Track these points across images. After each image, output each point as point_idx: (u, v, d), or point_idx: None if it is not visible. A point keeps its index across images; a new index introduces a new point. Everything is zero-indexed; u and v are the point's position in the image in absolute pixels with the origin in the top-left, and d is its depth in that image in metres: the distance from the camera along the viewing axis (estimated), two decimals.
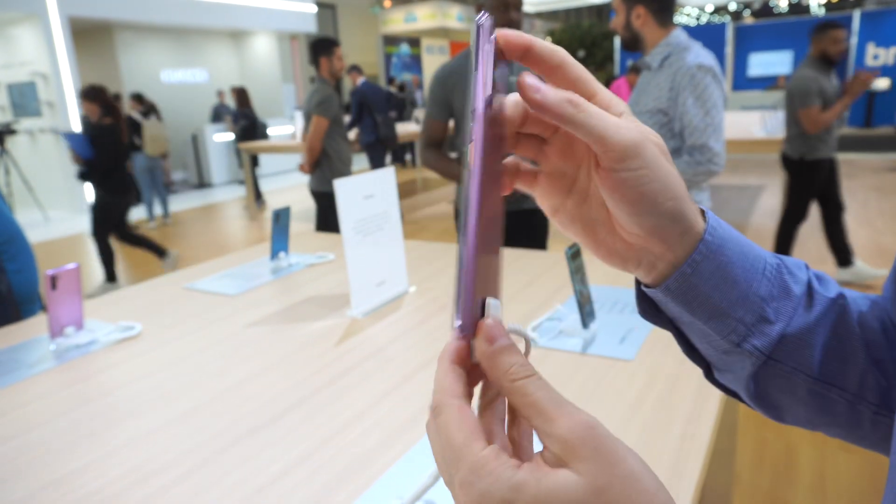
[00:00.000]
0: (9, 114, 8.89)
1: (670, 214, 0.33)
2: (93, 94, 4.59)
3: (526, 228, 2.33)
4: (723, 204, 6.59)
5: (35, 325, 1.44)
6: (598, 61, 19.11)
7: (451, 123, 2.36)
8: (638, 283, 0.39)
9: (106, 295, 1.67)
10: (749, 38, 14.21)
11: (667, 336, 1.20)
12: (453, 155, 2.43)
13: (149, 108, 7.78)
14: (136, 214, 7.89)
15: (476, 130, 0.29)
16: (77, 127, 8.07)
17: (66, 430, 0.99)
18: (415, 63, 18.48)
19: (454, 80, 2.27)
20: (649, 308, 0.40)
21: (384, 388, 1.08)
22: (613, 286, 1.51)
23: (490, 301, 0.29)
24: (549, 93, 0.31)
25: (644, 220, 0.33)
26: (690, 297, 0.36)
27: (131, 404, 1.06)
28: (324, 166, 3.81)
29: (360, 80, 6.73)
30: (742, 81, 14.23)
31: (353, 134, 6.54)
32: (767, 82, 13.62)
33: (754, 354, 0.37)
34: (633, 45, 1.96)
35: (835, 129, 3.61)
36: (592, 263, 1.70)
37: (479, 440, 0.26)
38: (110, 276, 4.91)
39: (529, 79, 0.31)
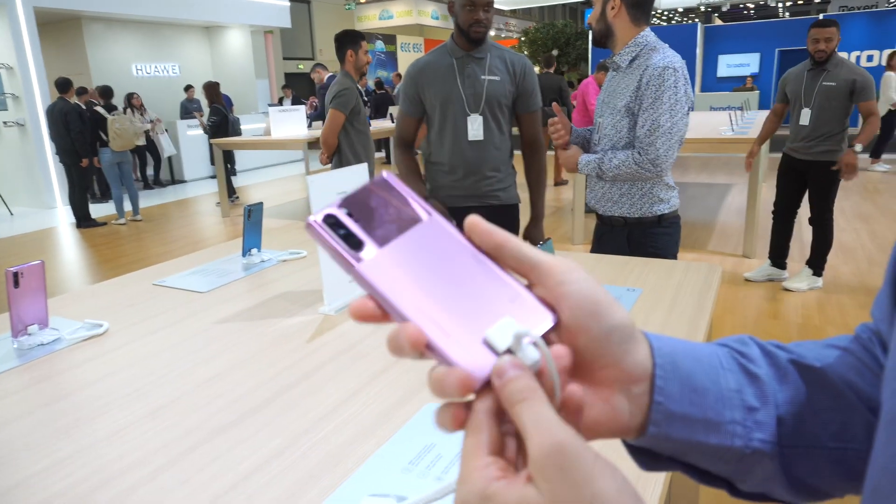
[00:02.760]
0: None
1: (618, 326, 0.33)
2: None
3: (497, 223, 2.35)
4: (691, 201, 6.70)
5: None
6: (572, 60, 19.26)
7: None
8: (626, 444, 0.39)
9: (72, 292, 1.64)
10: (718, 39, 14.47)
11: (641, 322, 1.22)
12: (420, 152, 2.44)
13: (92, 103, 7.52)
14: (106, 210, 7.73)
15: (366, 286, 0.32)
16: (42, 119, 7.86)
17: (30, 430, 0.97)
18: (390, 60, 18.40)
19: (425, 76, 2.29)
20: (646, 458, 0.39)
21: (356, 384, 1.08)
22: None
23: (492, 332, 0.31)
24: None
25: (597, 331, 0.33)
26: (677, 424, 0.35)
27: (98, 403, 1.05)
28: (334, 161, 3.73)
29: (327, 74, 6.69)
30: (712, 82, 14.49)
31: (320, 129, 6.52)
32: (736, 83, 13.88)
33: (766, 450, 0.36)
34: (605, 39, 1.97)
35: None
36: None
37: (483, 456, 0.28)
38: None
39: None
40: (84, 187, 7.07)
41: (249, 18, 11.80)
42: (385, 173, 0.35)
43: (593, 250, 2.14)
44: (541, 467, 0.26)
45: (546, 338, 0.33)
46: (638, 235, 2.01)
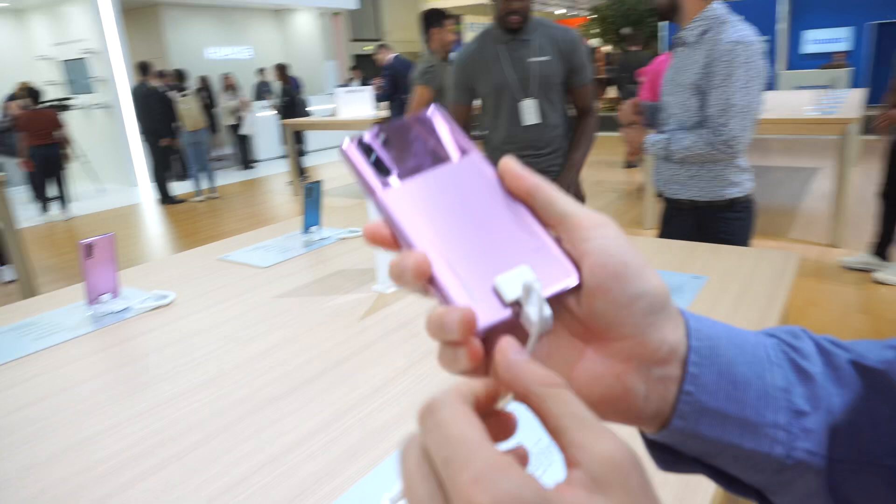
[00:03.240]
0: (64, 90, 9.18)
1: (646, 293, 0.29)
2: None
3: None
4: (773, 186, 6.35)
5: (75, 293, 1.49)
6: (644, 38, 18.53)
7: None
8: (644, 437, 0.34)
9: (143, 264, 1.71)
10: (805, 12, 13.54)
11: (704, 312, 1.16)
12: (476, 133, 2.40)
13: (175, 86, 7.84)
14: (183, 188, 8.10)
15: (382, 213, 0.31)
16: (129, 102, 8.29)
17: (96, 392, 1.02)
18: (456, 41, 18.26)
19: (474, 66, 2.24)
20: (668, 457, 0.33)
21: (405, 362, 1.07)
22: None
23: (502, 279, 0.29)
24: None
25: (619, 296, 0.29)
26: (708, 421, 0.30)
27: (159, 370, 1.09)
28: None
29: (390, 56, 6.69)
30: (795, 59, 13.60)
31: (386, 111, 6.56)
32: (823, 60, 12.98)
33: (812, 463, 0.30)
34: (670, 13, 1.87)
35: None
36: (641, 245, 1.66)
37: (493, 445, 0.24)
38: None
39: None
40: (164, 166, 7.43)
41: (319, 1, 11.97)
42: (433, 107, 0.34)
43: (661, 235, 2.06)
44: (619, 477, 0.22)
45: (564, 299, 0.30)
46: (708, 220, 1.92)
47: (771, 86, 9.88)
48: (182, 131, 7.21)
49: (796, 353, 0.32)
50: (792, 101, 5.46)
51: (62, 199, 6.88)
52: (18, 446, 0.88)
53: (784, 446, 0.30)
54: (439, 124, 0.34)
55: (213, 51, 11.72)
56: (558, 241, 0.31)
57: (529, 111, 2.18)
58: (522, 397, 0.26)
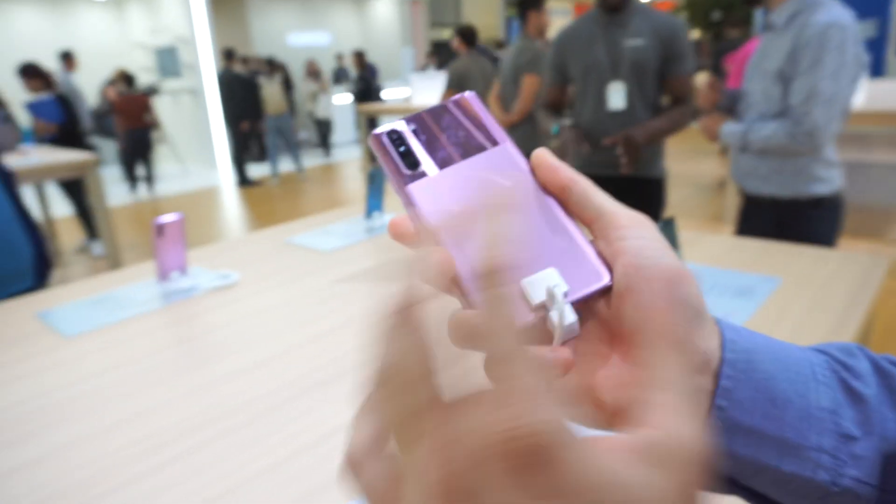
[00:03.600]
0: (155, 75, 9.70)
1: (682, 300, 0.27)
2: (32, 71, 4.82)
3: (636, 200, 2.19)
4: (871, 184, 5.90)
5: (149, 269, 1.57)
6: (736, 23, 17.59)
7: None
8: None
9: (212, 245, 1.79)
10: None
11: (770, 323, 1.09)
12: (566, 122, 2.32)
13: (274, 71, 8.17)
14: (261, 171, 8.40)
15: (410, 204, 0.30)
16: (213, 87, 8.66)
17: (158, 366, 1.07)
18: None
19: (569, 44, 2.20)
20: None
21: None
22: (710, 266, 1.39)
23: (528, 282, 0.28)
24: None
25: (650, 301, 0.27)
26: (742, 439, 0.28)
27: (218, 348, 1.13)
28: (520, 130, 3.48)
29: None
30: None
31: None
32: None
33: (860, 493, 0.28)
34: None
35: None
36: (687, 242, 1.58)
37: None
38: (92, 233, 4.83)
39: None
40: (243, 150, 7.75)
41: None
42: (467, 92, 0.33)
43: (738, 232, 1.95)
44: (666, 456, 0.21)
45: (592, 301, 0.29)
46: (789, 219, 1.80)
47: (878, 73, 9.13)
48: (265, 115, 7.49)
49: (848, 372, 0.29)
50: None
51: (149, 179, 7.29)
52: (84, 413, 0.93)
53: (829, 472, 0.27)
54: (473, 111, 0.33)
55: (295, 37, 12.05)
56: (592, 239, 0.30)
57: (616, 95, 2.10)
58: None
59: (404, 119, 0.32)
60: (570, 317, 0.27)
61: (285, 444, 0.84)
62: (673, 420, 0.21)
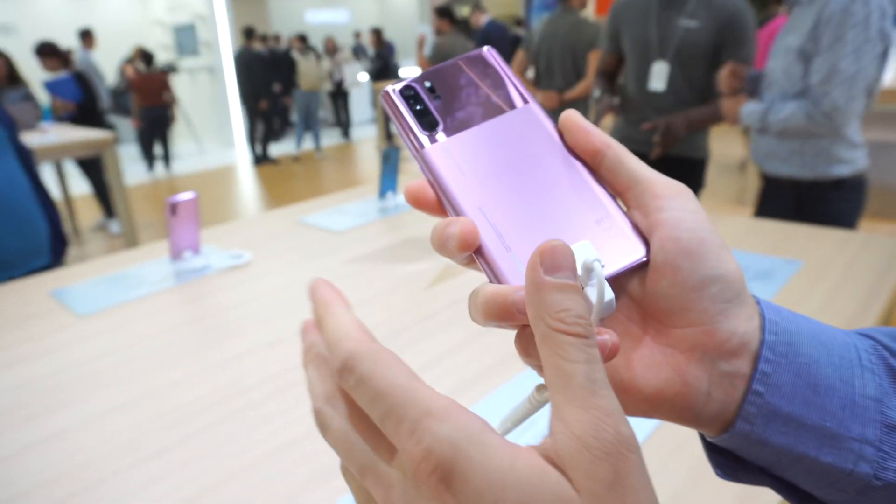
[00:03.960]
0: (173, 53, 9.71)
1: (721, 277, 0.25)
2: (49, 50, 4.81)
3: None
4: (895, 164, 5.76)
5: (162, 248, 1.57)
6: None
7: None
8: (704, 439, 0.30)
9: (225, 224, 1.79)
10: None
11: (790, 307, 1.07)
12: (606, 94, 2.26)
13: (307, 47, 8.19)
14: (286, 149, 8.41)
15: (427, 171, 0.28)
16: (231, 66, 8.65)
17: (171, 344, 1.08)
18: (556, 3, 17.62)
19: (625, 14, 2.13)
20: (730, 463, 0.29)
21: (466, 335, 1.06)
22: (734, 249, 1.36)
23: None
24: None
25: (689, 276, 0.25)
26: (779, 427, 0.26)
27: (230, 327, 1.13)
28: (580, 106, 3.31)
29: (485, 18, 6.53)
30: None
31: None
32: None
33: None
34: None
35: None
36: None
37: (424, 386, 0.22)
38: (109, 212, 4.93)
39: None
40: (264, 128, 7.78)
41: None
42: (486, 47, 0.30)
43: (757, 214, 1.91)
44: (590, 459, 0.20)
45: (624, 278, 0.27)
46: (809, 201, 1.75)
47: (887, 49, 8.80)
48: (298, 90, 7.55)
49: None
50: None
51: (166, 158, 7.34)
52: (98, 391, 0.94)
53: (872, 464, 0.25)
54: (493, 68, 0.30)
55: (313, 14, 11.96)
56: (625, 209, 0.28)
57: (658, 75, 2.03)
58: (532, 326, 0.23)
59: (419, 75, 0.30)
60: (609, 293, 0.25)
61: (300, 423, 0.83)
62: (577, 424, 0.20)
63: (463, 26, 6.19)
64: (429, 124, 0.28)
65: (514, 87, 0.30)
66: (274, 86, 7.68)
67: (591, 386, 0.21)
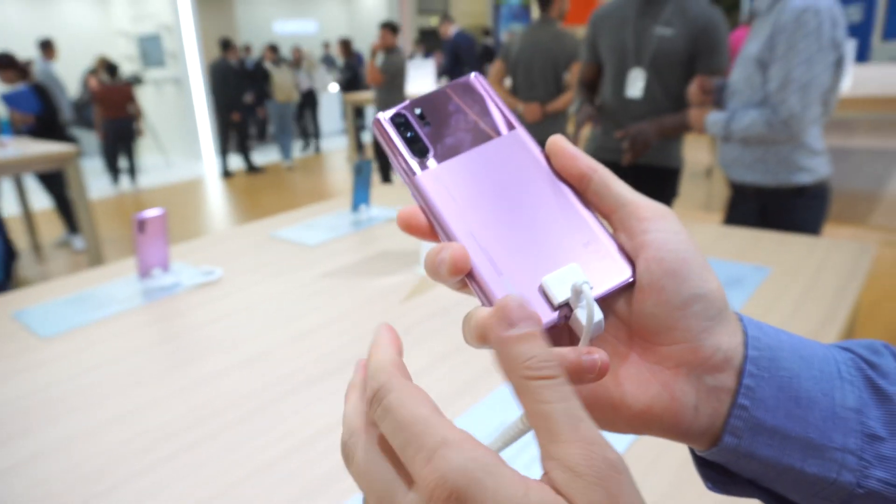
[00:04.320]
0: (138, 64, 9.54)
1: (704, 296, 0.27)
2: (6, 62, 4.72)
3: (648, 189, 2.17)
4: (854, 169, 5.95)
5: (130, 265, 1.54)
6: (726, 7, 17.63)
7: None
8: (694, 454, 0.31)
9: (196, 240, 1.75)
10: None
11: (762, 313, 1.09)
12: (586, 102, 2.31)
13: (279, 58, 8.15)
14: (270, 157, 8.33)
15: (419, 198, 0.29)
16: (198, 77, 8.54)
17: (140, 366, 1.05)
18: (524, 14, 17.86)
19: (602, 23, 2.18)
20: (720, 477, 0.30)
21: (444, 349, 1.05)
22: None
23: (550, 278, 0.26)
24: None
25: (674, 296, 0.26)
26: (765, 440, 0.27)
27: (202, 346, 1.11)
28: (562, 117, 3.37)
29: (453, 29, 6.58)
30: (895, 29, 12.56)
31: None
32: None
33: (887, 495, 0.27)
34: None
35: None
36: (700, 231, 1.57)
37: (444, 419, 0.23)
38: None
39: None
40: (236, 139, 7.76)
41: None
42: (473, 74, 0.31)
43: (725, 221, 1.95)
44: (587, 485, 0.21)
45: (611, 298, 0.27)
46: (774, 208, 1.79)
47: (863, 58, 9.10)
48: (272, 102, 7.55)
49: (874, 370, 0.28)
50: (885, 77, 5.06)
51: (132, 171, 7.19)
52: (64, 416, 0.91)
53: (854, 473, 0.26)
54: (480, 94, 0.31)
55: (281, 25, 11.90)
56: (611, 231, 0.28)
57: (635, 82, 2.07)
58: (507, 379, 0.24)
59: (409, 102, 0.30)
60: (598, 314, 0.25)
61: (275, 445, 0.82)
62: (563, 453, 0.21)
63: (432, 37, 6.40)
64: (419, 151, 0.29)
65: (502, 113, 0.30)
66: (246, 96, 7.64)
67: (572, 421, 0.22)
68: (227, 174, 7.64)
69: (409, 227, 0.29)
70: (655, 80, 2.06)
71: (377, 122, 0.30)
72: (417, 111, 0.30)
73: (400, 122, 0.30)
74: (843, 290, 1.19)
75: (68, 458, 0.81)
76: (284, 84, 7.55)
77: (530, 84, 3.32)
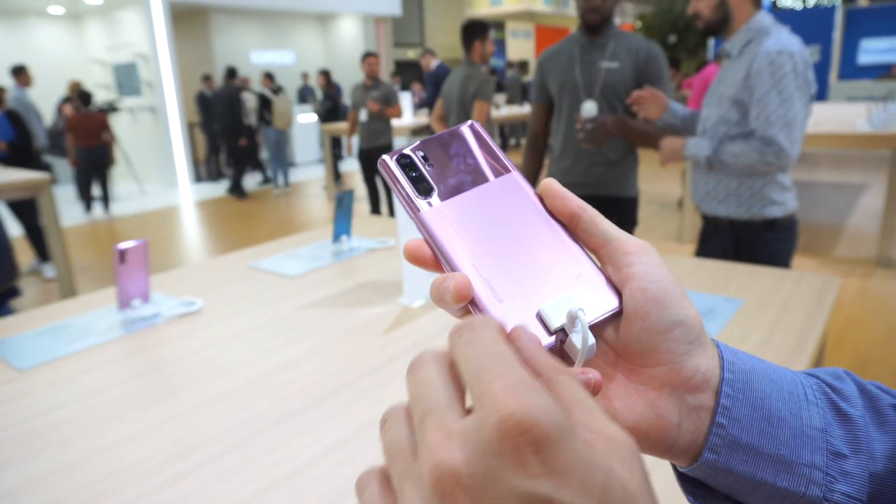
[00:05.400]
0: (114, 92, 9.50)
1: (684, 322, 0.29)
2: None
3: (609, 218, 2.23)
4: (817, 202, 6.15)
5: (108, 296, 1.52)
6: (691, 47, 18.24)
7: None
8: (676, 470, 0.34)
9: (175, 270, 1.75)
10: (862, 21, 13.08)
11: (734, 343, 1.12)
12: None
13: (278, 87, 8.20)
14: (251, 184, 8.34)
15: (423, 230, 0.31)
16: (174, 105, 8.53)
17: (121, 398, 1.04)
18: (499, 47, 18.27)
19: (550, 64, 2.30)
20: (700, 492, 0.33)
21: None
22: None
23: (547, 306, 0.29)
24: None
25: (657, 321, 0.29)
26: (741, 456, 0.29)
27: (183, 378, 1.10)
28: None
29: (435, 62, 6.71)
30: (850, 70, 13.15)
31: (426, 117, 6.61)
32: (879, 71, 12.51)
33: None
34: (718, 28, 1.82)
35: None
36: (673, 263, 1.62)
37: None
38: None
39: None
40: (241, 163, 7.92)
41: (362, 7, 12.12)
42: (472, 121, 0.35)
43: (698, 253, 2.00)
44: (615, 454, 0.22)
45: (599, 324, 0.30)
46: (746, 240, 1.85)
47: (822, 97, 9.48)
48: (270, 128, 7.69)
49: (836, 394, 0.32)
50: (843, 115, 5.28)
51: (105, 199, 7.10)
52: (42, 451, 0.89)
53: (821, 488, 0.29)
54: (478, 139, 0.34)
55: (258, 55, 11.96)
56: (599, 265, 0.32)
57: (588, 113, 2.17)
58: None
59: (413, 145, 0.33)
60: (591, 338, 0.28)
61: (259, 478, 0.81)
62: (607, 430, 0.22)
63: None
64: (424, 190, 0.32)
65: (499, 157, 0.33)
66: (249, 120, 7.81)
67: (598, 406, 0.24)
68: (241, 193, 7.79)
69: (414, 259, 0.31)
70: (607, 109, 2.19)
71: (383, 162, 0.32)
72: (420, 152, 0.33)
73: (405, 163, 0.32)
74: (812, 321, 1.23)
75: (46, 494, 0.80)
76: (284, 112, 7.65)
77: (450, 122, 3.73)
